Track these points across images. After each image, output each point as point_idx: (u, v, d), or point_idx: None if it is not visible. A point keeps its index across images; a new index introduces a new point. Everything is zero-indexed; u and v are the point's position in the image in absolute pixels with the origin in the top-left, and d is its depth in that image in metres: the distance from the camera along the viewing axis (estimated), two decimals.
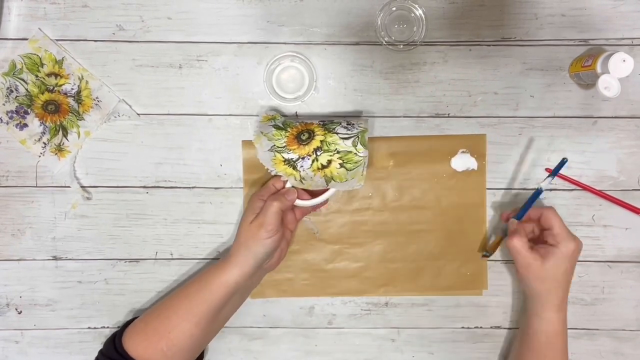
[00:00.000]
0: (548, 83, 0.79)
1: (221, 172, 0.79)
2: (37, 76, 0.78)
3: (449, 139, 0.79)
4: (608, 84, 0.70)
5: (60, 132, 0.78)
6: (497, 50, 0.78)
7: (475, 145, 0.79)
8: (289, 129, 0.73)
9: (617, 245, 0.80)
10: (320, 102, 0.79)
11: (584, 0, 0.78)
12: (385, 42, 0.77)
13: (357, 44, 0.78)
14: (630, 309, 0.81)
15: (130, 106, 0.79)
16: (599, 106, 0.79)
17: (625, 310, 0.81)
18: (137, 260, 0.81)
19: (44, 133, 0.78)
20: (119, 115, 0.79)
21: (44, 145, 0.79)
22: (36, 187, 0.79)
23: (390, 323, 0.81)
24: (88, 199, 0.80)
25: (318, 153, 0.70)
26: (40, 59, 0.78)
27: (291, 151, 0.71)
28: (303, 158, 0.71)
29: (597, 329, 0.81)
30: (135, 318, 0.75)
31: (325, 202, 0.77)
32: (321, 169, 0.71)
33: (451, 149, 0.79)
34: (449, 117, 0.79)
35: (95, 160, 0.79)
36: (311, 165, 0.71)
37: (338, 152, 0.70)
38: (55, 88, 0.78)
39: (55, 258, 0.80)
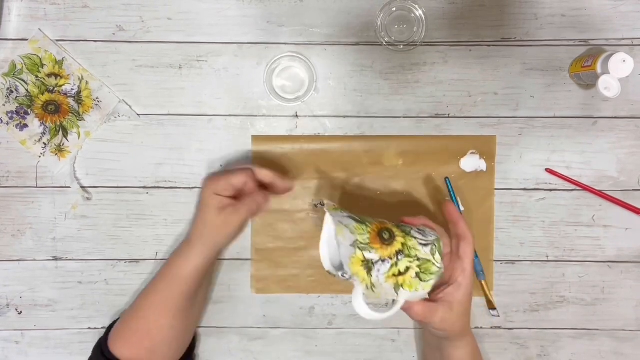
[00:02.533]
0: (548, 83, 0.79)
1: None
2: (37, 77, 0.78)
3: (459, 139, 0.79)
4: (608, 84, 0.70)
5: (61, 133, 0.79)
6: (497, 50, 0.78)
7: (485, 146, 0.79)
8: (367, 224, 0.62)
9: (617, 245, 0.80)
10: (320, 103, 0.79)
11: (584, 1, 0.78)
12: (386, 42, 0.77)
13: (357, 44, 0.78)
14: (630, 309, 0.81)
15: (130, 107, 0.79)
16: (599, 106, 0.79)
17: (625, 310, 0.81)
18: (137, 260, 0.81)
19: (44, 133, 0.78)
20: (119, 116, 0.79)
21: (44, 146, 0.79)
22: (36, 187, 0.79)
23: (390, 323, 0.81)
24: (88, 199, 0.80)
25: (399, 257, 0.61)
26: (40, 59, 0.78)
27: (374, 250, 0.60)
28: (384, 261, 0.60)
29: (597, 329, 0.82)
30: (116, 320, 0.76)
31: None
32: (397, 275, 0.60)
33: (460, 149, 0.79)
34: (449, 117, 0.79)
35: (95, 160, 0.79)
36: (389, 270, 0.60)
37: (418, 260, 0.61)
38: (56, 88, 0.78)
39: (55, 258, 0.80)
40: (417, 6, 0.76)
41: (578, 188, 0.80)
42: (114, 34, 0.78)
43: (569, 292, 0.81)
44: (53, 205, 0.80)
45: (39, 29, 0.78)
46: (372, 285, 0.61)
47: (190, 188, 0.80)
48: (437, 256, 0.62)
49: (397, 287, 0.61)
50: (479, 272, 0.79)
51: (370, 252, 0.60)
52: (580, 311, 0.81)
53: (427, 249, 0.62)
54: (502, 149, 0.79)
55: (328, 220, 0.64)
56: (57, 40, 0.78)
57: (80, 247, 0.80)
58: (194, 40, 0.78)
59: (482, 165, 0.79)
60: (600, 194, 0.79)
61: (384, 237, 0.61)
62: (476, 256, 0.79)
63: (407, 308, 0.64)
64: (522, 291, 0.81)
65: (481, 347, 0.81)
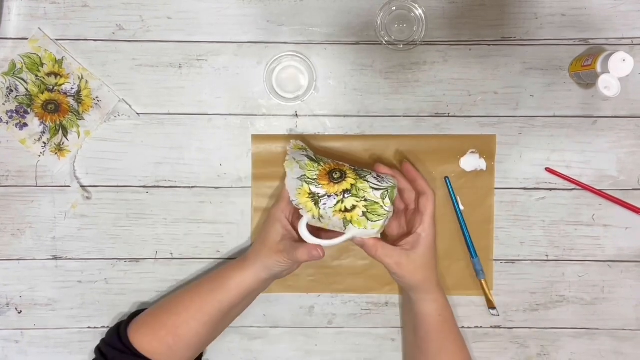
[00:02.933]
0: (548, 83, 0.79)
1: (221, 172, 0.79)
2: (37, 76, 0.78)
3: (459, 138, 0.79)
4: (608, 84, 0.70)
5: (60, 132, 0.78)
6: (497, 49, 0.78)
7: (485, 145, 0.79)
8: (322, 164, 0.70)
9: (617, 245, 0.80)
10: (320, 102, 0.79)
11: (584, 0, 0.78)
12: (385, 41, 0.77)
13: (357, 43, 0.78)
14: (630, 309, 0.81)
15: (130, 106, 0.79)
16: (599, 106, 0.79)
17: (625, 309, 0.81)
18: (137, 260, 0.81)
19: (44, 133, 0.78)
20: (118, 115, 0.79)
21: (43, 145, 0.79)
22: (36, 186, 0.79)
23: (391, 323, 0.81)
24: (88, 198, 0.80)
25: (346, 195, 0.68)
26: (40, 58, 0.78)
27: (320, 186, 0.68)
28: (329, 196, 0.68)
29: (597, 329, 0.81)
30: (142, 310, 0.76)
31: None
32: (343, 211, 0.68)
33: (460, 148, 0.79)
34: (448, 116, 0.79)
35: (95, 159, 0.79)
36: (335, 205, 0.68)
37: (365, 200, 0.68)
38: (55, 88, 0.78)
39: (55, 258, 0.80)
40: (417, 5, 0.76)
41: (578, 187, 0.80)
42: (113, 33, 0.78)
43: (568, 292, 0.81)
44: (53, 205, 0.79)
45: (39, 28, 0.78)
46: (320, 216, 0.68)
47: (190, 187, 0.80)
48: (387, 200, 0.68)
49: (347, 222, 0.68)
50: (479, 272, 0.79)
51: (316, 187, 0.68)
52: (580, 310, 0.81)
53: (378, 193, 0.68)
54: (502, 148, 0.79)
55: (287, 156, 0.72)
56: (57, 40, 0.78)
57: (80, 246, 0.80)
58: (194, 39, 0.78)
59: (482, 164, 0.79)
60: (599, 193, 0.79)
61: (334, 176, 0.69)
62: (476, 255, 0.79)
63: (361, 244, 0.70)
64: (522, 290, 0.81)
65: (481, 346, 0.81)
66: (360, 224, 0.68)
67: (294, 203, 0.69)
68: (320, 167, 0.70)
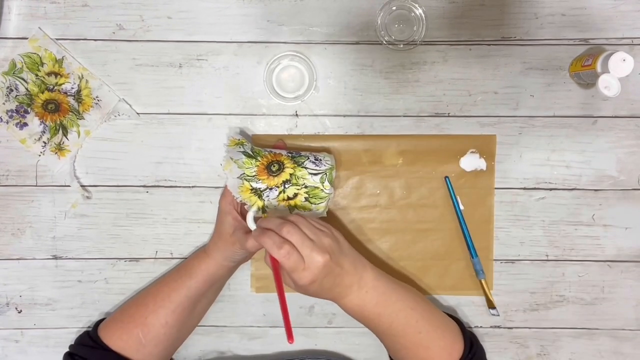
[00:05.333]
0: (548, 82, 0.79)
1: (221, 172, 0.79)
2: (37, 75, 0.78)
3: (459, 138, 0.79)
4: (608, 84, 0.70)
5: (60, 131, 0.78)
6: (497, 49, 0.78)
7: (485, 145, 0.79)
8: (259, 158, 0.72)
9: (617, 244, 0.80)
10: (320, 102, 0.79)
11: (584, 0, 0.78)
12: (386, 41, 0.77)
13: (357, 43, 0.78)
14: (630, 309, 0.81)
15: (130, 105, 0.79)
16: (598, 106, 0.79)
17: (625, 309, 0.81)
18: (137, 259, 0.81)
19: (44, 132, 0.78)
20: (118, 115, 0.79)
21: (44, 145, 0.79)
22: (36, 186, 0.79)
23: None
24: (88, 198, 0.80)
25: (286, 186, 0.71)
26: (40, 58, 0.78)
27: (260, 181, 0.71)
28: (271, 189, 0.71)
29: (597, 329, 0.81)
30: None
31: None
32: (286, 200, 0.72)
33: (460, 148, 0.79)
34: (448, 116, 0.79)
35: (95, 159, 0.79)
36: (277, 196, 0.72)
37: (305, 187, 0.72)
38: (55, 87, 0.78)
39: (55, 257, 0.80)
40: (417, 5, 0.76)
41: (578, 187, 0.80)
42: (114, 32, 0.78)
43: (568, 292, 0.81)
44: (53, 204, 0.80)
45: (39, 28, 0.78)
46: (266, 206, 0.72)
47: (190, 187, 0.80)
48: (327, 183, 0.72)
49: (292, 209, 0.73)
50: (479, 272, 0.79)
51: (257, 182, 0.71)
52: (580, 310, 0.81)
53: (317, 178, 0.72)
54: (502, 148, 0.79)
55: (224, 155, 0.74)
56: (57, 39, 0.78)
57: (80, 245, 0.80)
58: (194, 39, 0.78)
59: (482, 164, 0.79)
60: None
61: (272, 169, 0.72)
62: (476, 255, 0.79)
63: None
64: (522, 290, 0.81)
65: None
66: (305, 208, 0.73)
67: (237, 200, 0.72)
68: (257, 163, 0.72)
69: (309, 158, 0.73)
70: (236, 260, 0.73)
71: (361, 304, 0.67)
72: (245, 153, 0.73)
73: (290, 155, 0.74)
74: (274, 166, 0.72)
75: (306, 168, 0.72)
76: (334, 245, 0.64)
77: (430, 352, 0.69)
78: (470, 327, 0.81)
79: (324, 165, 0.73)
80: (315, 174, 0.72)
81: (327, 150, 0.79)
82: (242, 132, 0.79)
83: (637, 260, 0.81)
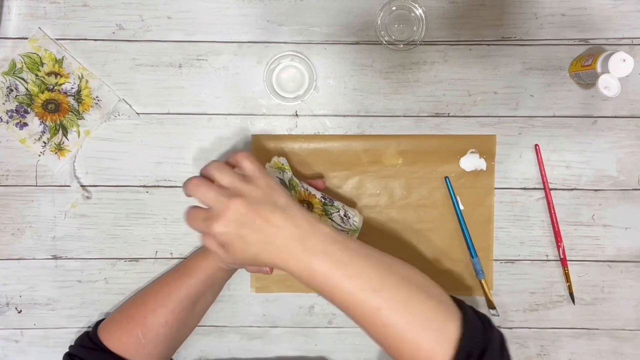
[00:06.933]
0: (548, 83, 0.79)
1: None
2: (37, 75, 0.78)
3: (459, 138, 0.79)
4: (608, 84, 0.70)
5: (60, 131, 0.78)
6: (497, 49, 0.78)
7: (485, 145, 0.79)
8: (292, 192, 0.72)
9: (617, 245, 0.80)
10: (320, 102, 0.79)
11: (584, 0, 0.78)
12: (385, 41, 0.77)
13: (357, 43, 0.78)
14: (630, 309, 0.81)
15: (130, 105, 0.79)
16: (598, 106, 0.79)
17: (625, 309, 0.81)
18: (137, 259, 0.81)
19: (44, 132, 0.78)
20: (118, 115, 0.79)
21: (43, 145, 0.79)
22: (36, 186, 0.79)
23: None
24: (88, 198, 0.80)
25: None
26: (40, 58, 0.78)
27: None
28: None
29: (597, 329, 0.81)
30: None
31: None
32: None
33: (460, 148, 0.79)
34: (448, 116, 0.79)
35: (95, 159, 0.79)
36: None
37: None
38: (55, 87, 0.78)
39: (55, 257, 0.80)
40: (417, 5, 0.76)
41: (578, 187, 0.80)
42: (113, 32, 0.78)
43: (568, 292, 0.81)
44: (53, 204, 0.80)
45: (39, 28, 0.78)
46: None
47: None
48: None
49: None
50: (479, 272, 0.79)
51: None
52: (580, 311, 0.81)
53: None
54: (502, 148, 0.79)
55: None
56: (57, 39, 0.78)
57: (80, 245, 0.80)
58: (194, 39, 0.78)
59: (481, 164, 0.79)
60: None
61: None
62: (476, 255, 0.79)
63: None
64: (522, 290, 0.81)
65: None
66: None
67: None
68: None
69: (339, 211, 0.73)
70: (235, 266, 0.73)
71: (308, 272, 0.56)
72: (282, 180, 0.73)
73: (323, 200, 0.73)
74: (304, 205, 0.72)
75: (333, 220, 0.72)
76: (256, 192, 0.56)
77: (402, 353, 0.54)
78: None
79: (351, 226, 0.73)
80: (342, 230, 0.72)
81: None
82: (286, 158, 0.75)
83: (637, 260, 0.81)
